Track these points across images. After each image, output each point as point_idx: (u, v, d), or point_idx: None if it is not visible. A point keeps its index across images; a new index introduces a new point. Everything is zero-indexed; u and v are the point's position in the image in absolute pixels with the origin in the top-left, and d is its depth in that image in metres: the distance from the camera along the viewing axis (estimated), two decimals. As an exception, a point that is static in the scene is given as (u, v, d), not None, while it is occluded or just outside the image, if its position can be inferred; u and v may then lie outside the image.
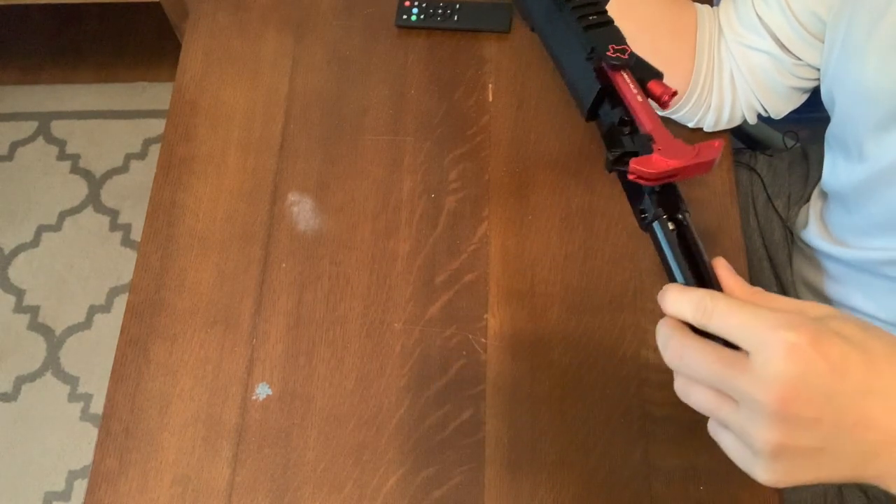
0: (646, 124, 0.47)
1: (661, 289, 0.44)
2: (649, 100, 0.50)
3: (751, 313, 0.39)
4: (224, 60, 0.91)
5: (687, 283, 0.45)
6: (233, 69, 0.90)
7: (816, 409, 0.38)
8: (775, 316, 0.38)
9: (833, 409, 0.38)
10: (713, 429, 0.43)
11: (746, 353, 0.39)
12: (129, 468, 0.72)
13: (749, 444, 0.40)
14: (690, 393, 0.42)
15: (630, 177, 0.46)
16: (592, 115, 0.52)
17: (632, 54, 0.49)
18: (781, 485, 0.40)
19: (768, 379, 0.38)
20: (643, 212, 0.48)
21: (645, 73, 0.50)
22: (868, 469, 0.39)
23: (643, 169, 0.45)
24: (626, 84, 0.49)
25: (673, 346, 0.42)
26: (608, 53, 0.49)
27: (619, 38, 0.51)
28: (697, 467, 0.70)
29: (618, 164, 0.47)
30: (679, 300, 0.42)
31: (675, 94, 0.49)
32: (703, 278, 0.45)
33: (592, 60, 0.50)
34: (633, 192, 0.49)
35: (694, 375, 0.42)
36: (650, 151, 0.46)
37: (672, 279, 0.46)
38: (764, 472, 0.40)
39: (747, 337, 0.39)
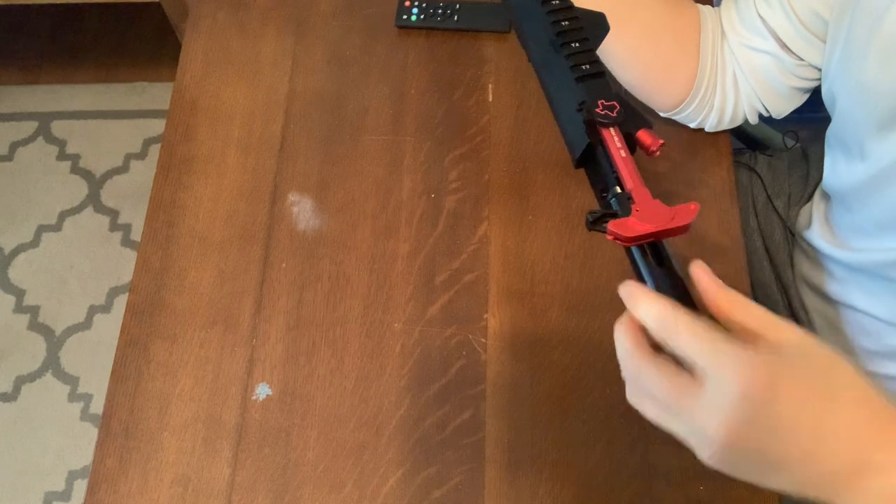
0: (627, 183, 0.49)
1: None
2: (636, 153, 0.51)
3: (710, 345, 0.40)
4: (224, 60, 0.91)
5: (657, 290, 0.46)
6: (233, 69, 0.90)
7: (762, 444, 0.39)
8: (734, 353, 0.39)
9: (779, 443, 0.39)
10: (635, 400, 0.45)
11: (700, 376, 0.40)
12: (129, 468, 0.72)
13: (693, 449, 0.42)
14: (642, 404, 0.44)
15: (608, 237, 0.48)
16: (581, 164, 0.54)
17: (620, 111, 0.51)
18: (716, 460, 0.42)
19: (719, 414, 0.39)
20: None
21: (634, 123, 0.52)
22: (809, 492, 0.41)
23: (619, 232, 0.47)
24: (613, 140, 0.50)
25: (631, 364, 0.43)
26: (597, 110, 0.50)
27: (609, 92, 0.52)
28: (697, 467, 0.69)
29: (596, 224, 0.49)
30: (647, 308, 0.43)
31: (662, 144, 0.50)
32: (676, 287, 0.47)
33: (582, 112, 0.51)
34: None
35: (648, 393, 0.43)
36: (628, 213, 0.48)
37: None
38: (704, 456, 0.42)
39: (704, 367, 0.40)
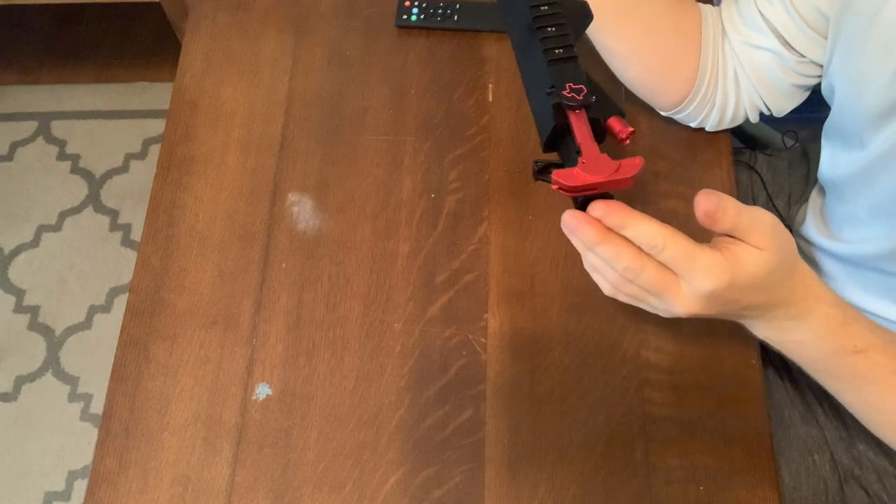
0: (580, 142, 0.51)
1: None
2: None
3: (690, 262, 0.51)
4: (224, 60, 0.91)
5: None
6: (233, 69, 0.90)
7: (718, 311, 0.54)
8: (707, 268, 0.50)
9: (729, 310, 0.54)
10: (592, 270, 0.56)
11: (678, 276, 0.51)
12: (129, 468, 0.72)
13: (650, 307, 0.55)
14: (623, 291, 0.55)
15: (553, 187, 0.50)
16: (549, 147, 0.55)
17: (587, 95, 0.51)
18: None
19: (689, 303, 0.52)
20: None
21: (606, 110, 0.53)
22: (733, 318, 0.57)
23: (563, 182, 0.49)
24: (579, 124, 0.51)
25: (608, 250, 0.51)
26: (565, 93, 0.51)
27: (579, 76, 0.52)
28: (697, 467, 0.70)
29: (542, 174, 0.52)
30: (645, 228, 0.50)
31: (632, 132, 0.53)
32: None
33: (551, 96, 0.52)
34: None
35: (636, 282, 0.52)
36: (574, 164, 0.50)
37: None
38: (664, 314, 0.56)
39: (683, 274, 0.51)
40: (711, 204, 0.50)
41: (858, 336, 0.56)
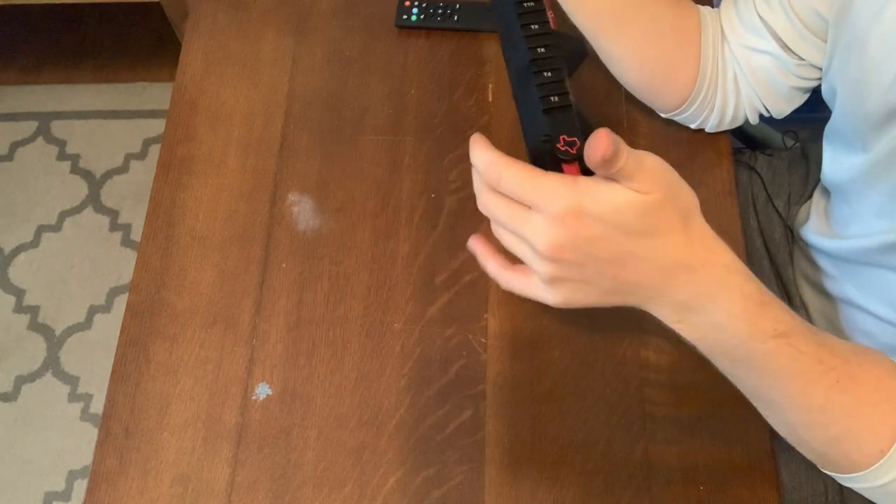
0: None
1: None
2: None
3: (533, 188, 0.48)
4: (224, 60, 0.91)
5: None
6: (233, 69, 0.90)
7: (579, 257, 0.48)
8: (552, 188, 0.48)
9: (593, 260, 0.48)
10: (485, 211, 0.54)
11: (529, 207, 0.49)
12: (129, 468, 0.72)
13: (534, 273, 0.51)
14: (496, 231, 0.53)
15: None
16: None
17: (580, 148, 0.52)
18: (566, 305, 0.51)
19: (543, 235, 0.48)
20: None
21: None
22: (629, 299, 0.51)
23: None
24: (570, 170, 0.53)
25: (484, 199, 0.52)
26: (559, 146, 0.52)
27: (573, 127, 0.53)
28: (697, 467, 0.70)
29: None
30: (480, 157, 0.50)
31: None
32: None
33: (546, 144, 0.53)
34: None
35: (494, 216, 0.52)
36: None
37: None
38: (549, 296, 0.51)
39: (530, 202, 0.48)
40: (610, 149, 0.45)
41: (778, 318, 0.49)
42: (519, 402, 0.73)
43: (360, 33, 0.92)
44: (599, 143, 0.45)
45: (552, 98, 0.54)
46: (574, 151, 0.52)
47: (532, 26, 0.56)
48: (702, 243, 0.49)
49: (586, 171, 0.52)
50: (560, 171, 0.52)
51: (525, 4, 0.57)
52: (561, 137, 0.52)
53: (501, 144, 0.85)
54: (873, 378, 0.51)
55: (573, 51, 0.58)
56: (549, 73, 0.55)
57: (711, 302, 0.49)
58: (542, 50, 0.55)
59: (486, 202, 0.51)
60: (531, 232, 0.49)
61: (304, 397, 0.74)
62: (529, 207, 0.49)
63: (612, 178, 0.47)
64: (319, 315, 0.77)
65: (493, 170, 0.49)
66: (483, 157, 0.50)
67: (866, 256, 0.73)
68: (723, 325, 0.49)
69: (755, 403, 0.55)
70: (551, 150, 0.52)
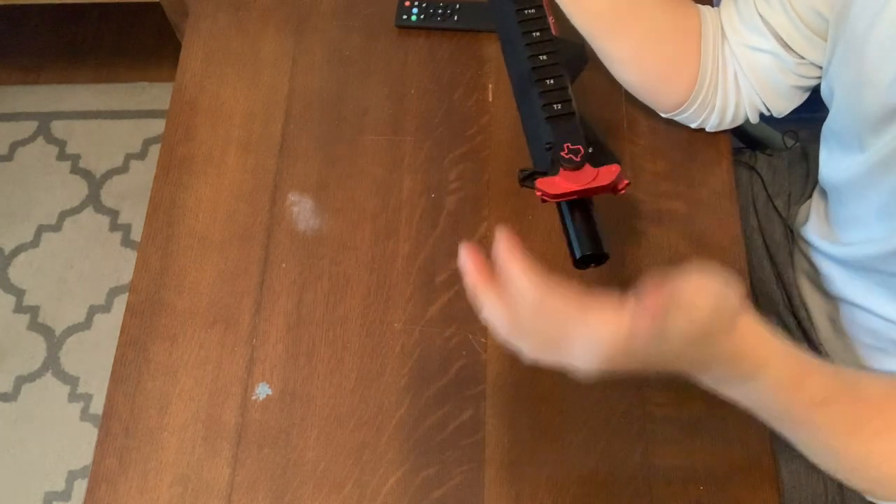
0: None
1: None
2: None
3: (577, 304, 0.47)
4: (224, 60, 0.91)
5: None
6: (233, 69, 0.90)
7: (622, 363, 0.48)
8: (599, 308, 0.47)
9: (636, 362, 0.48)
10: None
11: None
12: (129, 468, 0.72)
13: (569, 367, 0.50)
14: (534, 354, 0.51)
15: (537, 194, 0.52)
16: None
17: (584, 155, 0.52)
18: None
19: (588, 362, 0.48)
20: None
21: (603, 161, 0.54)
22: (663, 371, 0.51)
23: (546, 190, 0.52)
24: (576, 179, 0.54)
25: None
26: (562, 153, 0.52)
27: (577, 134, 0.53)
28: (697, 467, 0.70)
29: (526, 181, 0.54)
30: (523, 279, 0.48)
31: (628, 184, 0.54)
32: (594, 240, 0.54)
33: (550, 151, 0.53)
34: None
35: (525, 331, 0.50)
36: (556, 172, 0.52)
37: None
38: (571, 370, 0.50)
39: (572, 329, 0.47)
40: (661, 312, 0.46)
41: (818, 386, 0.52)
42: (519, 402, 0.73)
43: (360, 33, 0.92)
44: (650, 306, 0.46)
45: (555, 106, 0.54)
46: (578, 159, 0.52)
47: (533, 33, 0.56)
48: (743, 339, 0.50)
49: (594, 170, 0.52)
50: (558, 167, 0.52)
51: (526, 11, 0.57)
52: (565, 145, 0.52)
53: (502, 144, 0.85)
54: None
55: (574, 57, 0.58)
56: (552, 81, 0.55)
57: (752, 383, 0.51)
58: (544, 57, 0.55)
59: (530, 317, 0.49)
60: (574, 358, 0.48)
61: (304, 397, 0.74)
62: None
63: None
64: (319, 315, 0.77)
65: (534, 294, 0.47)
66: (519, 277, 0.48)
67: (870, 262, 0.73)
68: (761, 399, 0.52)
69: (806, 452, 0.58)
70: (555, 159, 0.52)
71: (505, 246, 0.48)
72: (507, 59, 0.59)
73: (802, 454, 0.58)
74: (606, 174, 0.52)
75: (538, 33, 0.56)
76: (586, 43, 0.77)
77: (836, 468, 0.57)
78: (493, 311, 0.50)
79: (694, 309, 0.47)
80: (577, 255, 0.54)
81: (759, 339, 0.51)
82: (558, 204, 0.54)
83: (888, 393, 0.55)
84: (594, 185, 0.52)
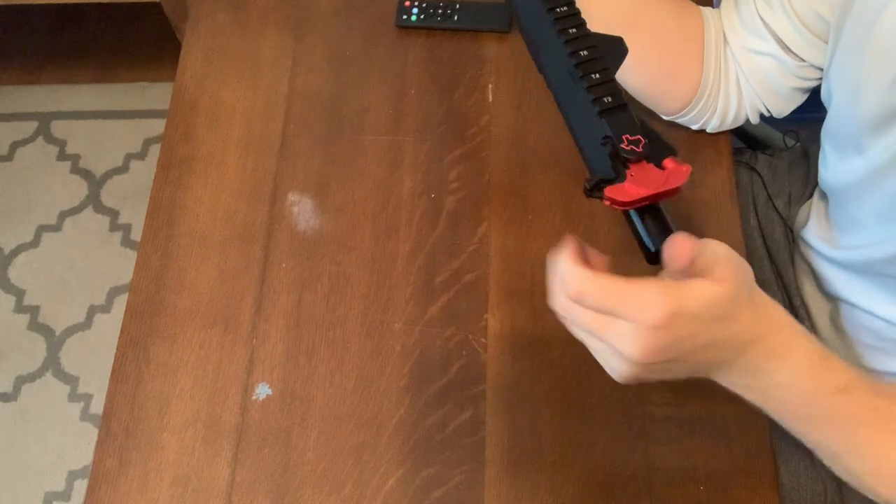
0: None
1: None
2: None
3: (622, 302, 0.47)
4: (224, 60, 0.91)
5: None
6: (233, 69, 0.90)
7: (668, 356, 0.47)
8: (648, 303, 0.46)
9: (678, 355, 0.48)
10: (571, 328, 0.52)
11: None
12: (129, 468, 0.72)
13: (611, 368, 0.50)
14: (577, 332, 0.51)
15: (606, 203, 0.50)
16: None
17: (646, 145, 0.50)
18: (626, 383, 0.50)
19: (636, 343, 0.47)
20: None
21: (660, 153, 0.51)
22: (693, 375, 0.51)
23: (616, 197, 0.49)
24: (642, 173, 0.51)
25: (565, 306, 0.50)
26: (622, 146, 0.50)
27: (633, 125, 0.51)
28: (697, 467, 0.70)
29: (594, 191, 0.51)
30: (565, 267, 0.49)
31: (689, 171, 0.52)
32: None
33: (607, 147, 0.51)
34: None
35: (576, 323, 0.50)
36: (623, 179, 0.50)
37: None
38: (616, 375, 0.50)
39: (620, 313, 0.47)
40: (690, 255, 0.47)
41: (839, 371, 0.52)
42: (519, 402, 0.73)
43: (360, 33, 0.92)
44: (680, 250, 0.47)
45: (605, 99, 0.52)
46: (640, 150, 0.50)
47: (570, 30, 0.55)
48: (765, 311, 0.50)
49: (657, 163, 0.51)
50: (625, 173, 0.51)
51: (558, 10, 0.55)
52: (623, 137, 0.50)
53: (502, 144, 0.85)
54: None
55: (615, 49, 0.56)
56: (597, 75, 0.53)
57: (778, 363, 0.50)
58: (585, 53, 0.54)
59: (567, 310, 0.50)
60: (621, 341, 0.47)
61: (304, 397, 0.74)
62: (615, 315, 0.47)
63: (694, 275, 0.47)
64: (319, 315, 0.77)
65: (575, 285, 0.48)
66: (566, 270, 0.49)
67: (870, 265, 0.73)
68: (788, 384, 0.51)
69: (819, 455, 0.57)
70: (615, 153, 0.50)
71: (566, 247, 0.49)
72: (542, 62, 0.57)
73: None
74: (677, 175, 0.50)
75: (574, 30, 0.55)
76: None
77: (856, 473, 0.55)
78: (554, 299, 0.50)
79: (725, 264, 0.47)
80: (653, 250, 0.51)
81: (776, 310, 0.51)
82: (626, 212, 0.52)
83: None
84: (666, 187, 0.49)
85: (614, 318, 0.47)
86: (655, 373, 0.49)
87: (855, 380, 0.52)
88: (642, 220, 0.51)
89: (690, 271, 0.47)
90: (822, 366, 0.51)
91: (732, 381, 0.52)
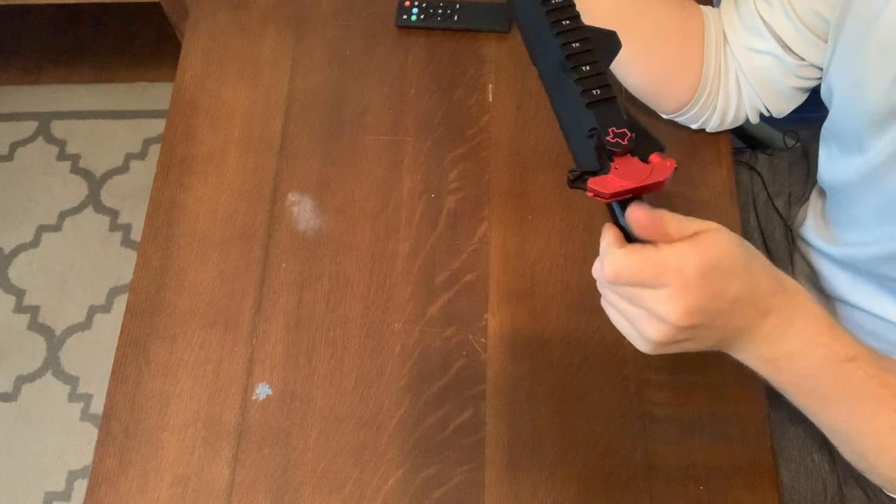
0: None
1: None
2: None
3: (656, 264, 0.49)
4: (224, 60, 0.91)
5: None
6: (233, 69, 0.90)
7: (704, 319, 0.49)
8: (680, 259, 0.48)
9: (712, 317, 0.50)
10: (605, 305, 0.55)
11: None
12: (129, 468, 0.72)
13: (643, 336, 0.51)
14: (611, 304, 0.53)
15: (588, 194, 0.51)
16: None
17: (631, 138, 0.51)
18: (654, 353, 0.52)
19: (676, 302, 0.48)
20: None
21: (646, 147, 0.52)
22: (716, 347, 0.53)
23: (599, 189, 0.50)
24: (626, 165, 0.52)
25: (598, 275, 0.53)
26: (608, 138, 0.51)
27: (619, 118, 0.52)
28: (697, 467, 0.70)
29: (577, 182, 0.52)
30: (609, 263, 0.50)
31: (675, 168, 0.53)
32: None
33: (593, 139, 0.51)
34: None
35: (617, 290, 0.52)
36: (607, 171, 0.50)
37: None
38: (644, 351, 0.52)
39: (654, 281, 0.49)
40: (647, 214, 0.49)
41: (847, 341, 0.53)
42: (519, 402, 0.73)
43: (360, 33, 0.92)
44: (636, 214, 0.49)
45: (594, 91, 0.52)
46: (626, 143, 0.50)
47: (563, 22, 0.55)
48: (776, 273, 0.52)
49: (643, 158, 0.51)
50: (609, 165, 0.51)
51: (553, 1, 0.55)
52: (609, 130, 0.51)
53: (502, 144, 0.85)
54: None
55: (608, 43, 0.56)
56: (588, 67, 0.53)
57: (790, 327, 0.52)
58: (577, 44, 0.54)
59: (607, 287, 0.52)
60: (658, 304, 0.49)
61: (304, 397, 0.74)
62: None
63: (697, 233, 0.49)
64: (319, 315, 0.77)
65: (610, 267, 0.50)
66: (603, 252, 0.51)
67: (868, 264, 0.73)
68: (799, 352, 0.52)
69: (827, 434, 0.58)
70: (601, 145, 0.51)
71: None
72: (535, 53, 0.57)
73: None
74: (661, 170, 0.50)
75: (568, 21, 0.55)
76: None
77: (861, 450, 0.56)
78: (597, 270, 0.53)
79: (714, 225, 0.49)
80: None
81: (782, 275, 0.52)
82: (609, 205, 0.53)
83: None
84: (649, 181, 0.50)
85: (647, 289, 0.49)
86: (686, 340, 0.50)
87: (862, 351, 0.53)
88: (624, 213, 0.52)
89: (688, 233, 0.49)
90: (831, 333, 0.52)
91: (750, 351, 0.53)
